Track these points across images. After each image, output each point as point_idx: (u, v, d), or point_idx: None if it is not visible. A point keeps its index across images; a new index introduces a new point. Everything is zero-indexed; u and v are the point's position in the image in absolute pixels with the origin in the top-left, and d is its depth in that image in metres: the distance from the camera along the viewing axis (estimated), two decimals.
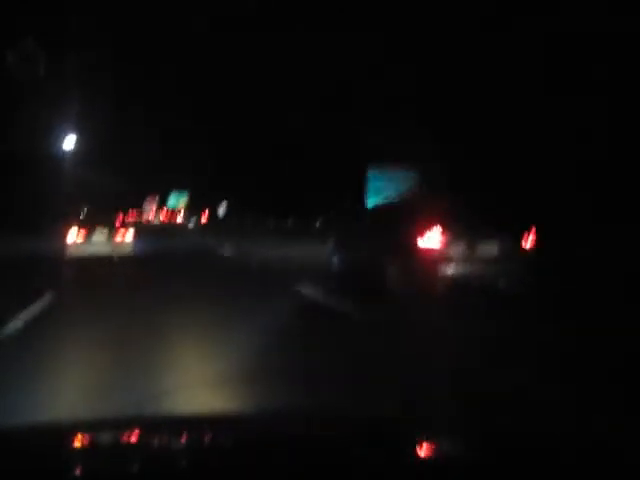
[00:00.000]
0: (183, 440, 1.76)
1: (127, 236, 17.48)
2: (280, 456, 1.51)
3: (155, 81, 53.67)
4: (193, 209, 59.26)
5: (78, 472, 1.47)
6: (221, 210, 47.75)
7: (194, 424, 1.92)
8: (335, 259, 12.57)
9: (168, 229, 47.96)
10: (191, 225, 52.46)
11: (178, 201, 72.75)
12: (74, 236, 16.62)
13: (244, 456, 1.53)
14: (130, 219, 65.68)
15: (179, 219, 61.52)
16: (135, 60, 50.49)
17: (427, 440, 1.67)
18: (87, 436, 1.74)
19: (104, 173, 40.39)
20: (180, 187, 70.83)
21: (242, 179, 43.99)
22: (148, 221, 72.68)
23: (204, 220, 52.77)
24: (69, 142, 30.64)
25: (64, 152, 30.38)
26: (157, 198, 76.69)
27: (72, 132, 30.97)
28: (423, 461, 1.51)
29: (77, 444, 1.70)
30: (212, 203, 51.65)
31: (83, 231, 16.80)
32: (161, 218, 74.75)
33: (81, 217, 18.33)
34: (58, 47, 27.59)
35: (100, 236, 16.93)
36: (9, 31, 23.66)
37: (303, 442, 1.65)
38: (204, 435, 1.77)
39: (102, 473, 1.42)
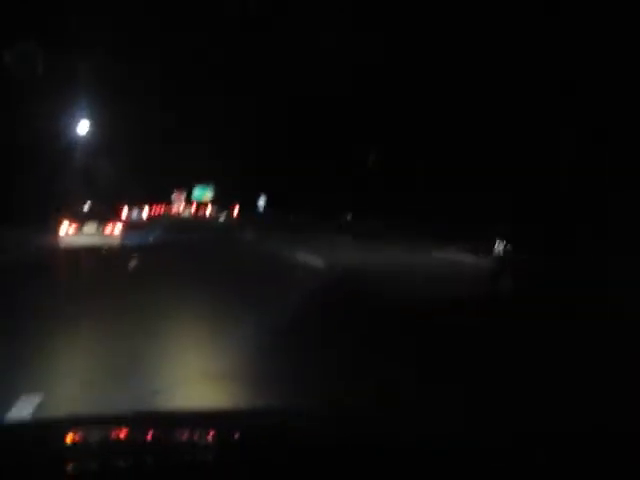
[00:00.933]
0: (181, 436, 1.74)
1: (116, 229, 18.89)
2: (278, 453, 1.50)
3: (182, 79, 54.69)
4: (221, 204, 58.37)
5: (78, 468, 1.44)
6: (261, 203, 44.24)
7: (194, 420, 1.92)
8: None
9: (199, 222, 47.12)
10: (222, 219, 50.21)
11: (202, 194, 75.82)
12: (66, 229, 18.28)
13: (242, 453, 1.53)
14: (157, 212, 65.90)
15: (208, 212, 59.15)
16: (160, 58, 50.74)
17: (424, 438, 1.65)
18: (84, 432, 1.73)
19: (120, 168, 40.60)
20: (205, 182, 74.06)
21: (276, 178, 42.07)
22: (178, 214, 73.89)
23: (235, 214, 50.74)
24: (80, 134, 31.62)
25: (74, 147, 31.24)
26: (184, 193, 78.85)
27: (84, 129, 31.65)
28: (423, 460, 1.48)
29: (75, 440, 1.69)
30: (240, 199, 50.44)
31: (75, 224, 18.32)
32: (191, 211, 75.50)
33: (83, 210, 20.10)
34: (73, 44, 28.17)
35: (91, 229, 18.44)
36: (8, 30, 23.98)
37: (302, 440, 1.64)
38: (204, 431, 1.75)
39: (99, 469, 1.42)
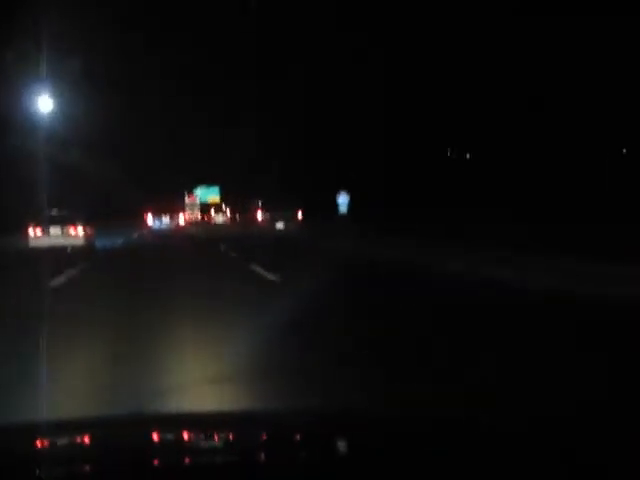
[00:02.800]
0: (184, 439, 1.72)
1: (79, 231, 20.87)
2: (283, 454, 1.49)
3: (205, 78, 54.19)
4: (273, 208, 47.28)
5: (79, 469, 1.44)
6: (342, 200, 30.69)
7: (195, 422, 1.90)
8: None
9: (250, 230, 38.89)
10: (280, 226, 37.70)
11: (207, 195, 73.28)
12: (32, 232, 20.74)
13: (242, 455, 1.52)
14: (182, 218, 56.37)
15: (260, 218, 47.06)
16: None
17: (430, 438, 1.62)
18: (87, 434, 1.71)
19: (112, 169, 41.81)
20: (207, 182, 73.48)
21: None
22: (209, 220, 63.12)
23: (300, 218, 38.41)
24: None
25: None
26: (197, 197, 74.46)
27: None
28: (425, 459, 1.46)
29: (79, 442, 1.69)
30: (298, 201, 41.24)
31: (41, 228, 20.71)
32: (227, 216, 65.94)
33: (50, 214, 21.73)
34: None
35: (56, 231, 20.69)
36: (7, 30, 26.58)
37: (304, 441, 1.64)
38: (206, 433, 1.74)
39: (100, 470, 1.41)
